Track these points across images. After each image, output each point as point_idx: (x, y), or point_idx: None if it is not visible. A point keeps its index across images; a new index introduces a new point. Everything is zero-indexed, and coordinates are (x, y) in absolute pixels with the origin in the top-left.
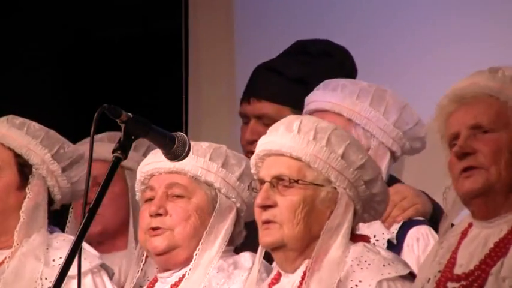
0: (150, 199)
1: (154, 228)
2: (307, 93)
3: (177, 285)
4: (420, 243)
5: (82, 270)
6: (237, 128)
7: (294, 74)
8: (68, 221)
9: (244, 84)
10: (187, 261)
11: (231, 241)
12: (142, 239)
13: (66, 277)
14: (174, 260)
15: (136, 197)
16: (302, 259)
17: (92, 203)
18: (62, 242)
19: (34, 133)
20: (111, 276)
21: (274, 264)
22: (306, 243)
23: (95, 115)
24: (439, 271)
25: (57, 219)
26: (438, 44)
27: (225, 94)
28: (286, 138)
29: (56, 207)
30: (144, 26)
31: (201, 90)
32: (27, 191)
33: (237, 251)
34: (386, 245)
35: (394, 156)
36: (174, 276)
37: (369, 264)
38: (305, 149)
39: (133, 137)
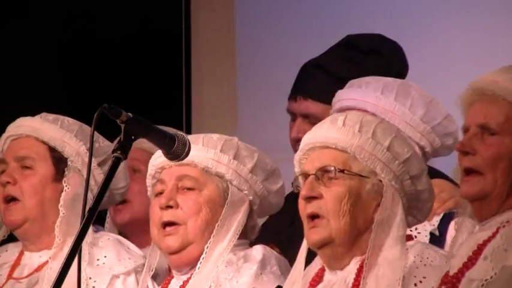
0: (161, 193)
1: (166, 224)
2: None
3: (189, 281)
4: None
5: (126, 269)
6: (239, 126)
7: (341, 74)
8: (106, 223)
9: (245, 85)
10: (199, 256)
11: (244, 235)
12: (155, 235)
13: (111, 276)
14: (187, 257)
15: (148, 193)
16: (351, 256)
17: (92, 204)
18: (107, 242)
19: (68, 127)
20: (154, 276)
21: (313, 265)
22: (353, 237)
23: (95, 115)
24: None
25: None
26: (437, 41)
27: (226, 94)
28: (331, 131)
29: None
30: (145, 26)
31: (203, 90)
32: (64, 184)
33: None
34: (428, 237)
35: (424, 153)
36: (189, 273)
37: (431, 261)
38: (351, 141)
39: (133, 137)
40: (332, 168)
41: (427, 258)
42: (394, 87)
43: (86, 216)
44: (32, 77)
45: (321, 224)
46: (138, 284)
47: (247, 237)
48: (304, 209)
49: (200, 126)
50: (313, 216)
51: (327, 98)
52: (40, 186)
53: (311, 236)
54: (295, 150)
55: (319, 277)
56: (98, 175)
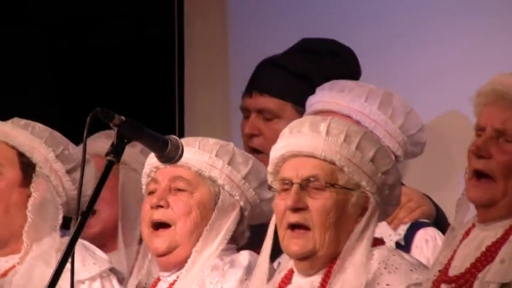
0: (153, 192)
1: (156, 224)
2: (310, 90)
3: (175, 283)
4: (429, 244)
5: (91, 274)
6: (232, 133)
7: (298, 70)
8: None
9: (238, 89)
10: (187, 259)
11: (233, 240)
12: (145, 233)
13: (76, 282)
14: (174, 260)
15: (143, 190)
16: (326, 264)
17: (86, 207)
18: None
19: (38, 133)
20: (121, 281)
21: (281, 265)
22: (335, 249)
23: (88, 118)
24: (439, 270)
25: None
26: (436, 42)
27: (220, 99)
28: (318, 140)
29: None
30: (139, 31)
31: (196, 95)
32: (32, 190)
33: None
34: (394, 246)
35: (397, 161)
36: (175, 275)
37: (396, 268)
38: (339, 152)
39: (126, 140)
40: (321, 181)
41: (392, 265)
42: (378, 96)
43: (78, 220)
44: (24, 82)
45: (306, 237)
46: None
47: (236, 242)
48: (286, 217)
49: (193, 132)
50: (296, 226)
51: (282, 94)
52: (6, 191)
53: (292, 246)
54: (247, 147)
55: (288, 279)
56: (67, 182)
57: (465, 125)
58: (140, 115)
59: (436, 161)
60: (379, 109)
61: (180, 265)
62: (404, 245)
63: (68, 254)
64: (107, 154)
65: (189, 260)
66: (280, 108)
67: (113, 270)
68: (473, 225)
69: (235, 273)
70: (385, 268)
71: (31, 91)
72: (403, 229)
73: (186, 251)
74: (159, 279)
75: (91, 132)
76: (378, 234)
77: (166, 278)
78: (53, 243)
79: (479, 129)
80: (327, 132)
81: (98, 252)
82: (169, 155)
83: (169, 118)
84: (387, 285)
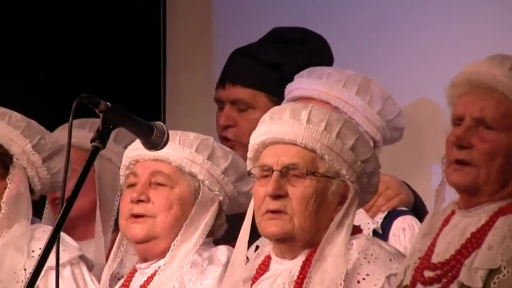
0: (133, 185)
1: (136, 215)
2: (283, 79)
3: (153, 277)
4: (406, 233)
5: (61, 261)
6: (215, 118)
7: (270, 60)
8: (44, 212)
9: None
10: (165, 252)
11: (210, 233)
12: (123, 225)
13: (45, 268)
14: (152, 250)
15: (120, 181)
16: (304, 248)
17: (70, 193)
18: (43, 233)
19: (15, 123)
20: (90, 268)
21: (259, 251)
22: (313, 236)
23: (73, 104)
24: (419, 258)
25: (33, 210)
26: (420, 31)
27: (203, 84)
28: (298, 128)
29: (35, 197)
30: (123, 15)
31: (179, 80)
32: (8, 182)
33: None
34: (371, 234)
35: (375, 146)
36: (151, 267)
37: (375, 258)
38: (319, 141)
39: (111, 126)
40: (301, 169)
41: (371, 255)
42: (356, 82)
43: (63, 205)
44: (11, 67)
45: (283, 218)
46: (73, 276)
47: (213, 235)
48: (266, 204)
49: (176, 116)
50: (275, 211)
51: (255, 84)
52: None
53: (269, 227)
54: (222, 138)
55: (265, 265)
56: (42, 172)
57: (436, 113)
58: (125, 99)
59: (407, 148)
60: (358, 95)
61: (158, 256)
62: (382, 234)
63: (53, 240)
64: (92, 140)
65: (168, 255)
66: (253, 98)
67: (82, 258)
68: (453, 213)
69: (214, 270)
70: (364, 258)
71: (18, 76)
72: (380, 217)
73: (165, 243)
74: (135, 270)
75: (76, 117)
76: (356, 222)
77: (144, 270)
78: (24, 231)
79: (457, 119)
80: (308, 120)
81: (68, 239)
82: (155, 142)
83: (155, 103)
84: (367, 275)
